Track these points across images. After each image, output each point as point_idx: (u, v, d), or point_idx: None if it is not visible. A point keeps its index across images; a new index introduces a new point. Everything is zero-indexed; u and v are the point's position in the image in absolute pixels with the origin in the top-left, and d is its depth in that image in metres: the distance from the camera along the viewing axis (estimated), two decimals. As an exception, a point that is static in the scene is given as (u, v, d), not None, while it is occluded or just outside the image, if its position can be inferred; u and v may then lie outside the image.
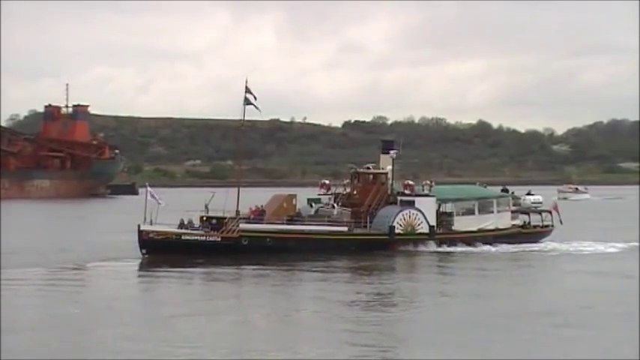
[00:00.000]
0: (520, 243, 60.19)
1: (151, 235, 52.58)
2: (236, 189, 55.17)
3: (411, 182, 60.84)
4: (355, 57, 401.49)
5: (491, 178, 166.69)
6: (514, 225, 63.03)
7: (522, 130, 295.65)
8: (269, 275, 46.36)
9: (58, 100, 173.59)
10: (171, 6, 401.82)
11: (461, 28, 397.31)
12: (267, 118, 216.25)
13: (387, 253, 55.25)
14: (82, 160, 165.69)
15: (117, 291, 39.98)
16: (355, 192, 59.78)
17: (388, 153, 61.23)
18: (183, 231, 53.66)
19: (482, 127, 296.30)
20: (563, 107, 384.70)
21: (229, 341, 28.82)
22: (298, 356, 26.57)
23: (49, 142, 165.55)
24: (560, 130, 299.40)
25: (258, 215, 55.57)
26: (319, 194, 59.86)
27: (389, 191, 59.42)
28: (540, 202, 67.82)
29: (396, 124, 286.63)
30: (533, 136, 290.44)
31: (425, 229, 57.74)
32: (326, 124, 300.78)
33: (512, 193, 66.40)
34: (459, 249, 57.63)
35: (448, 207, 60.67)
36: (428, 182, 62.78)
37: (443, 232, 58.82)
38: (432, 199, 58.95)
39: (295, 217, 56.15)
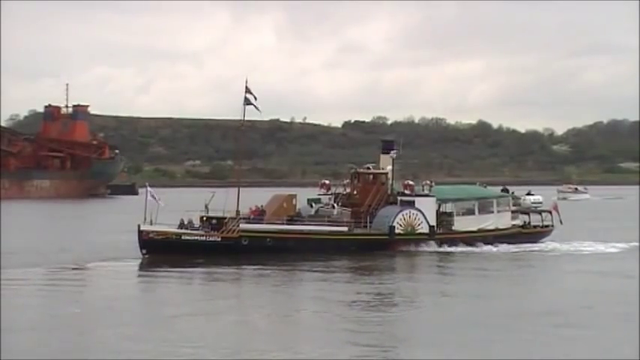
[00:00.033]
0: (520, 243, 60.21)
1: (151, 235, 52.59)
2: (236, 189, 55.19)
3: (411, 182, 60.85)
4: (355, 57, 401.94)
5: (491, 178, 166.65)
6: (514, 225, 63.03)
7: (522, 130, 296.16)
8: (269, 275, 46.37)
9: (58, 100, 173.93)
10: (171, 6, 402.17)
11: (461, 28, 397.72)
12: (267, 118, 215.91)
13: (387, 253, 55.26)
14: (82, 160, 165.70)
15: (117, 291, 39.99)
16: (355, 192, 59.79)
17: (388, 153, 61.24)
18: (184, 231, 53.68)
19: (482, 127, 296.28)
20: (563, 107, 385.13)
21: (230, 341, 28.83)
22: (299, 356, 26.58)
23: (49, 142, 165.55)
24: (560, 130, 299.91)
25: (259, 215, 55.58)
26: (319, 194, 59.86)
27: (389, 191, 59.42)
28: (540, 202, 67.80)
29: (396, 124, 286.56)
30: (533, 136, 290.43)
31: (425, 229, 57.74)
32: (326, 124, 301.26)
33: (512, 193, 66.38)
34: (459, 249, 57.63)
35: (448, 207, 60.67)
36: (428, 182, 62.77)
37: (443, 232, 58.82)
38: (432, 199, 58.95)
39: (295, 217, 56.16)
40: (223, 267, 48.36)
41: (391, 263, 52.59)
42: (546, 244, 61.48)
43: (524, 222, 64.42)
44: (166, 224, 53.74)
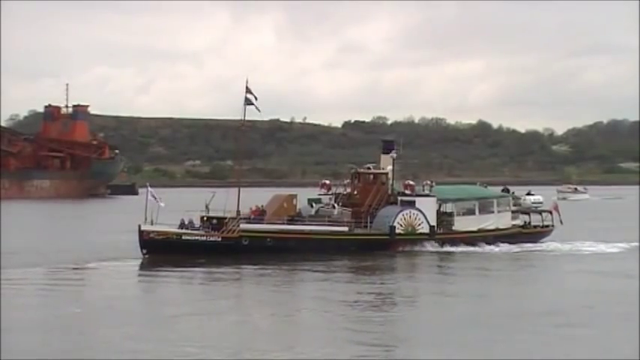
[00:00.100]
0: (520, 243, 60.22)
1: (151, 235, 52.59)
2: (236, 189, 55.21)
3: (411, 182, 60.87)
4: (355, 57, 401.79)
5: (491, 178, 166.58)
6: (514, 225, 63.05)
7: (522, 130, 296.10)
8: (270, 275, 46.37)
9: (58, 100, 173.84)
10: (171, 6, 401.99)
11: (461, 28, 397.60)
12: (267, 118, 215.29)
13: (387, 253, 55.26)
14: (82, 160, 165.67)
15: (118, 291, 39.98)
16: (356, 192, 59.80)
17: (388, 153, 61.26)
18: (184, 231, 53.68)
19: (483, 127, 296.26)
20: (563, 107, 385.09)
21: (231, 341, 28.82)
22: (300, 356, 26.57)
23: (49, 142, 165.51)
24: (560, 130, 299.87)
25: (259, 215, 55.59)
26: (320, 194, 59.86)
27: (389, 191, 59.43)
28: (540, 202, 67.84)
29: (396, 124, 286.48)
30: (533, 136, 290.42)
31: (425, 229, 57.74)
32: (326, 124, 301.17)
33: (513, 193, 66.39)
34: (459, 249, 57.62)
35: (448, 207, 60.68)
36: (428, 182, 62.77)
37: (443, 232, 58.82)
38: (433, 199, 58.96)
39: (296, 217, 56.16)
40: (224, 267, 48.35)
41: (392, 263, 52.60)
42: (547, 244, 61.48)
43: (525, 222, 64.45)
44: (167, 224, 53.74)
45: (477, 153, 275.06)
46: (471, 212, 61.05)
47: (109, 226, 78.64)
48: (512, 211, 63.52)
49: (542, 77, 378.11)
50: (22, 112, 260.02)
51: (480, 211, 61.19)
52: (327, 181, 62.34)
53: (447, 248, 57.49)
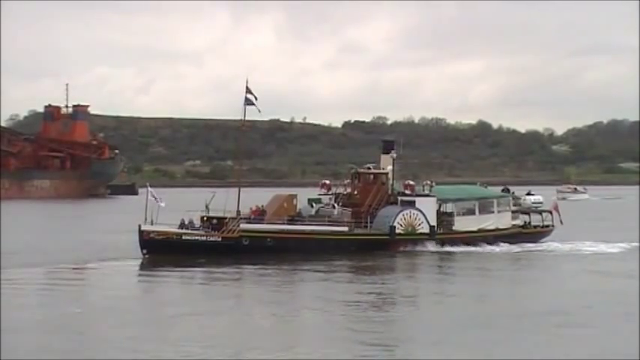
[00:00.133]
0: (520, 243, 60.24)
1: (151, 235, 52.59)
2: (236, 189, 55.22)
3: (411, 182, 60.89)
4: (355, 57, 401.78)
5: (491, 178, 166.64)
6: (514, 225, 63.06)
7: (522, 130, 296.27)
8: (270, 275, 46.37)
9: (58, 100, 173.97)
10: (171, 6, 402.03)
11: (461, 28, 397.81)
12: (267, 118, 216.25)
13: (387, 253, 55.27)
14: (81, 160, 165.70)
15: (118, 291, 39.98)
16: (356, 192, 59.80)
17: (388, 153, 61.26)
18: (184, 231, 53.68)
19: (483, 127, 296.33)
20: (563, 107, 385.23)
21: (231, 341, 28.83)
22: (300, 356, 26.58)
23: (49, 142, 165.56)
24: (560, 130, 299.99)
25: (259, 215, 55.59)
26: (320, 194, 59.87)
27: (389, 191, 59.45)
28: (541, 202, 67.84)
29: (396, 124, 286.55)
30: (533, 136, 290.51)
31: (425, 229, 57.75)
32: (326, 124, 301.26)
33: (513, 193, 66.39)
34: (459, 249, 57.62)
35: (449, 207, 60.69)
36: (428, 182, 62.81)
37: (443, 232, 58.82)
38: (433, 199, 58.97)
39: (296, 217, 56.17)
40: (224, 267, 48.35)
41: (392, 263, 52.61)
42: (547, 244, 61.49)
43: (525, 222, 64.46)
44: (167, 224, 53.74)
45: (476, 153, 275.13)
46: (471, 212, 61.06)
47: (109, 226, 78.64)
48: (513, 211, 63.53)
49: (542, 77, 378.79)
50: (22, 112, 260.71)
51: (480, 211, 61.20)
52: (327, 181, 62.37)
53: (447, 248, 57.49)
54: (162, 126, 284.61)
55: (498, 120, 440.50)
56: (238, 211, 54.74)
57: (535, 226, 64.64)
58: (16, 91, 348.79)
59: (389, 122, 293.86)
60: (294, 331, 31.35)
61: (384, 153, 61.72)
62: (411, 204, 58.04)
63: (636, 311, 33.57)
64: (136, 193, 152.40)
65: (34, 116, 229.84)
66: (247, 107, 57.09)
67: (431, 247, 57.27)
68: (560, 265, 51.94)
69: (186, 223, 54.40)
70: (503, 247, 59.13)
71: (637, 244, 60.54)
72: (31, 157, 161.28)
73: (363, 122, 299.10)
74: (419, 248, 56.91)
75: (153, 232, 52.77)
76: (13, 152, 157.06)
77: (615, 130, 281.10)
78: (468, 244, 58.62)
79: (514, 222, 63.33)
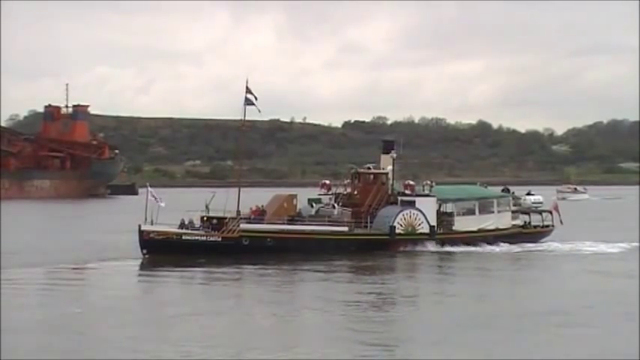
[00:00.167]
0: (520, 243, 60.23)
1: (151, 235, 52.59)
2: (236, 189, 55.22)
3: (411, 182, 60.89)
4: (355, 57, 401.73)
5: (491, 178, 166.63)
6: (514, 225, 63.06)
7: (522, 130, 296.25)
8: (270, 275, 46.37)
9: (58, 100, 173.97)
10: (171, 6, 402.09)
11: (461, 28, 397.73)
12: (267, 118, 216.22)
13: (387, 253, 55.26)
14: (81, 160, 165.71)
15: (118, 291, 39.98)
16: (356, 192, 59.79)
17: (388, 153, 61.25)
18: (184, 231, 53.67)
19: (483, 127, 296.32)
20: (563, 107, 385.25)
21: (231, 341, 28.81)
22: (300, 356, 26.58)
23: (49, 142, 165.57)
24: (560, 130, 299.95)
25: (259, 215, 55.59)
26: (320, 194, 59.86)
27: (389, 191, 59.43)
28: (541, 202, 67.84)
29: (396, 124, 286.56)
30: (533, 136, 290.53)
31: (425, 229, 57.74)
32: (326, 124, 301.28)
33: (513, 193, 66.39)
34: (459, 249, 57.61)
35: (449, 207, 60.68)
36: (428, 182, 62.80)
37: (443, 232, 58.82)
38: (433, 200, 58.96)
39: (296, 218, 56.16)
40: (224, 267, 48.35)
41: (392, 263, 52.61)
42: (547, 244, 61.49)
43: (525, 222, 64.46)
44: (167, 224, 53.74)
45: (476, 153, 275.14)
46: (471, 212, 61.05)
47: (109, 226, 78.65)
48: (513, 211, 63.52)
49: (542, 77, 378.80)
50: (22, 112, 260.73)
51: (480, 211, 61.19)
52: (327, 181, 62.35)
53: (447, 248, 57.48)
54: (162, 126, 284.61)
55: (498, 120, 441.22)
56: (238, 211, 54.74)
57: (535, 226, 64.64)
58: (16, 91, 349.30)
59: (389, 122, 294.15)
60: (295, 331, 31.35)
61: (384, 153, 61.71)
62: (411, 204, 58.03)
63: (636, 311, 33.57)
64: (136, 193, 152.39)
65: (34, 116, 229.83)
66: (247, 107, 57.12)
67: (431, 247, 57.26)
68: (561, 265, 51.94)
69: (186, 223, 54.40)
70: (504, 247, 59.12)
71: (637, 244, 60.52)
72: (31, 157, 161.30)
73: (363, 122, 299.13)
74: (419, 248, 56.90)
75: (153, 232, 52.76)
76: (13, 152, 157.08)
77: (615, 130, 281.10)
78: (468, 244, 58.60)
79: (514, 222, 63.33)
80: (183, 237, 53.22)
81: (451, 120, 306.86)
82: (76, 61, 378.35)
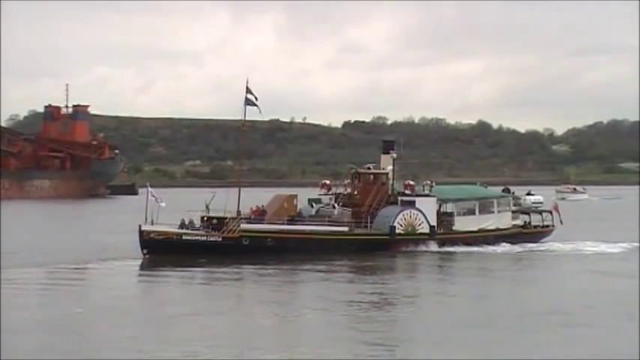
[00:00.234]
0: (521, 243, 60.22)
1: (151, 235, 52.57)
2: (236, 189, 55.22)
3: (411, 182, 60.88)
4: (355, 57, 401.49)
5: (491, 178, 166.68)
6: (515, 225, 63.04)
7: (522, 130, 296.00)
8: (270, 275, 46.36)
9: (58, 100, 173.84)
10: (171, 6, 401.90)
11: (461, 28, 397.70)
12: (267, 118, 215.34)
13: (387, 253, 55.25)
14: (81, 161, 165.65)
15: (118, 291, 39.97)
16: (356, 192, 59.76)
17: (388, 153, 61.24)
18: (184, 231, 53.66)
19: (483, 127, 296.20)
20: (563, 107, 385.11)
21: (232, 341, 28.81)
22: (301, 356, 26.56)
23: (49, 142, 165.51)
24: (560, 130, 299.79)
25: (259, 215, 55.57)
26: (320, 194, 59.85)
27: (389, 191, 59.42)
28: (541, 202, 67.88)
29: (396, 124, 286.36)
30: (533, 136, 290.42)
31: (425, 230, 57.73)
32: (326, 124, 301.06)
33: (513, 193, 66.39)
34: (459, 249, 57.59)
35: (449, 207, 60.66)
36: (428, 182, 62.80)
37: (443, 232, 58.81)
38: (433, 200, 58.94)
39: (296, 218, 56.15)
40: (224, 267, 48.34)
41: (392, 263, 52.61)
42: (548, 244, 61.47)
43: (525, 222, 64.45)
44: (167, 224, 53.73)
45: (476, 153, 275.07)
46: (471, 212, 61.04)
47: (109, 226, 78.64)
48: (513, 211, 63.51)
49: (542, 77, 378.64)
50: (22, 112, 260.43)
51: (480, 211, 61.18)
52: (327, 181, 62.33)
53: (447, 248, 57.47)
54: (162, 126, 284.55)
55: (498, 120, 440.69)
56: (238, 211, 54.74)
57: (535, 226, 64.64)
58: (16, 91, 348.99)
59: (389, 122, 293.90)
60: (296, 330, 31.34)
61: (384, 153, 61.70)
62: (411, 204, 58.02)
63: (637, 311, 33.55)
64: (136, 193, 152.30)
65: (34, 116, 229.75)
66: (247, 107, 57.10)
67: (431, 247, 57.23)
68: (561, 265, 51.95)
69: (187, 223, 54.39)
70: (504, 247, 59.11)
71: (637, 244, 60.49)
72: (31, 157, 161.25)
73: (363, 122, 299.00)
74: (419, 248, 56.89)
75: (153, 232, 52.75)
76: (13, 152, 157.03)
77: (615, 130, 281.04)
78: (468, 244, 58.58)
79: (514, 222, 63.31)
80: (184, 237, 53.20)
81: (451, 120, 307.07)
82: (76, 61, 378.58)
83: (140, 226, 52.70)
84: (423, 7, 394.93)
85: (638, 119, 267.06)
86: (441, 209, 60.18)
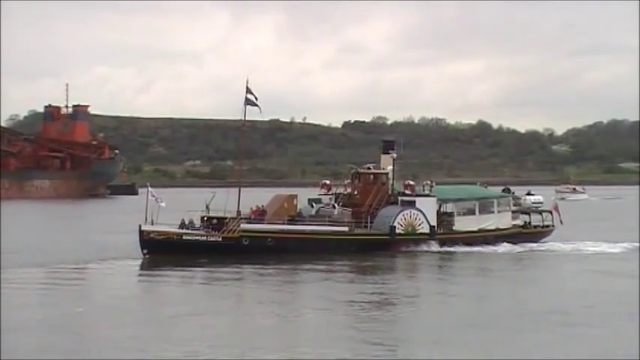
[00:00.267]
0: (521, 243, 60.21)
1: (152, 235, 52.57)
2: (236, 189, 55.21)
3: (411, 182, 60.88)
4: (355, 57, 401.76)
5: (491, 178, 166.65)
6: (515, 225, 63.04)
7: (522, 130, 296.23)
8: (270, 275, 46.36)
9: (58, 100, 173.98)
10: (171, 6, 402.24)
11: (461, 28, 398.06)
12: (267, 118, 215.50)
13: (387, 253, 55.24)
14: (81, 161, 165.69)
15: (119, 291, 39.97)
16: (356, 192, 59.76)
17: (388, 153, 61.24)
18: (184, 231, 53.66)
19: (482, 127, 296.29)
20: (563, 107, 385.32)
21: (232, 340, 28.80)
22: (302, 356, 26.55)
23: (49, 142, 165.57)
24: (560, 130, 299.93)
25: (259, 215, 55.57)
26: (320, 194, 59.85)
27: (390, 191, 59.42)
28: (541, 202, 67.89)
29: (396, 124, 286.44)
30: (533, 136, 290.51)
31: (426, 230, 57.72)
32: (326, 124, 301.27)
33: (513, 193, 66.39)
34: (459, 249, 57.58)
35: (449, 207, 60.66)
36: (428, 182, 62.79)
37: (443, 232, 58.80)
38: (433, 200, 58.94)
39: (296, 218, 56.14)
40: (224, 267, 48.33)
41: (392, 263, 52.60)
42: (548, 244, 61.46)
43: (525, 222, 64.44)
44: (167, 224, 53.73)
45: (477, 153, 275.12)
46: (471, 212, 61.03)
47: (109, 226, 78.64)
48: (513, 211, 63.51)
49: (542, 77, 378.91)
50: (22, 112, 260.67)
51: (481, 211, 61.17)
52: (327, 181, 62.33)
53: (448, 248, 57.46)
54: (162, 126, 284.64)
55: (498, 120, 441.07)
56: (239, 211, 54.74)
57: (535, 226, 64.63)
58: (16, 91, 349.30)
59: (389, 122, 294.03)
60: (296, 330, 31.33)
61: (384, 153, 61.70)
62: (411, 204, 58.01)
63: (637, 311, 33.54)
64: (136, 193, 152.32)
65: (34, 116, 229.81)
66: (247, 107, 57.11)
67: (431, 247, 57.22)
68: (561, 265, 51.95)
69: (187, 223, 54.39)
70: (504, 247, 59.09)
71: (637, 244, 60.48)
72: (31, 157, 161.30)
73: (363, 122, 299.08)
74: (419, 248, 56.88)
75: (153, 232, 52.75)
76: (13, 152, 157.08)
77: (615, 130, 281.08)
78: (468, 244, 58.57)
79: (514, 222, 63.31)
80: (184, 237, 53.20)
81: (451, 120, 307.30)
82: (76, 61, 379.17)
83: (140, 226, 52.71)
84: (423, 7, 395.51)
85: (638, 119, 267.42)
86: (441, 209, 60.18)
